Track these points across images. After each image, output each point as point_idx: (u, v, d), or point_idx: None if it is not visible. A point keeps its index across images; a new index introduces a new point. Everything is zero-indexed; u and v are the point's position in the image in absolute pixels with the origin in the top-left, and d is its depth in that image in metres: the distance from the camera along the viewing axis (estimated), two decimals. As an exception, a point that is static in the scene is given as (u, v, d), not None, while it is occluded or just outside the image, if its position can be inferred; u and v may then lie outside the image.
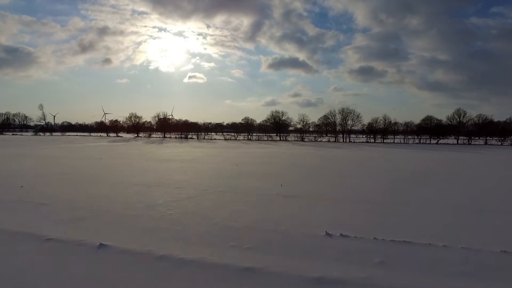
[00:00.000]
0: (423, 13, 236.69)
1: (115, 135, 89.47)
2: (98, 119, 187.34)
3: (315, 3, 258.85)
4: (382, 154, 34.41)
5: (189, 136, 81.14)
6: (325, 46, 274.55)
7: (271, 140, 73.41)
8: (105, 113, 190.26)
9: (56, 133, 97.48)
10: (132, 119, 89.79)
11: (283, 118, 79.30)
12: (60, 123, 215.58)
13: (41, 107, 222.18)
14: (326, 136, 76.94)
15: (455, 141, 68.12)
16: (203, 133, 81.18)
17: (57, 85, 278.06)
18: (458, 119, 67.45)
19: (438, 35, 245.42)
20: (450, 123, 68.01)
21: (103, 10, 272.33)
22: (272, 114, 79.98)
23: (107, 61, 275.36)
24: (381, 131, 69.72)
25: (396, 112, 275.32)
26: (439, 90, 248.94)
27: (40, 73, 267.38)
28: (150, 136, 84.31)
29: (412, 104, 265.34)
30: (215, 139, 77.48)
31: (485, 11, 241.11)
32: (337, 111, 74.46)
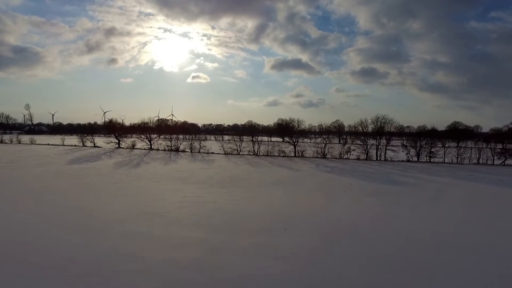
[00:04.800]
0: (424, 17, 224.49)
1: (93, 145, 73.95)
2: (100, 117, 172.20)
3: (318, 7, 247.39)
4: None
5: (182, 147, 65.58)
6: (327, 48, 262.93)
7: (283, 156, 57.77)
8: (104, 112, 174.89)
9: (25, 140, 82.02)
10: (114, 125, 74.06)
11: (299, 127, 63.48)
12: (52, 123, 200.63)
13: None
14: (343, 146, 60.55)
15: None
16: (200, 143, 65.53)
17: (62, 84, 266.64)
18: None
19: (438, 38, 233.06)
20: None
21: (110, 11, 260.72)
22: (286, 123, 64.39)
23: (113, 61, 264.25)
24: (427, 133, 54.05)
25: (398, 113, 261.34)
26: (440, 92, 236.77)
27: (45, 72, 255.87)
28: (133, 148, 68.71)
29: (413, 106, 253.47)
30: (213, 153, 61.92)
31: (485, 15, 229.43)
32: (369, 120, 58.77)
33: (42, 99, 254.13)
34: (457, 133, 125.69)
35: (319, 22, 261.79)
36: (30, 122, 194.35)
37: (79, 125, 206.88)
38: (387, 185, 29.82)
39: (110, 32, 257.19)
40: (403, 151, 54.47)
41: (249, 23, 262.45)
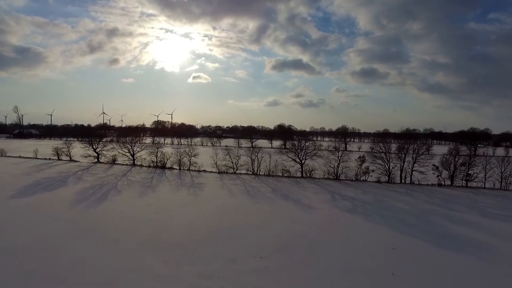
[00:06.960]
0: (423, 18, 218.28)
1: (69, 158, 64.56)
2: (101, 117, 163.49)
3: (319, 8, 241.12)
4: None
5: (169, 162, 56.21)
6: (328, 48, 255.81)
7: (288, 176, 48.54)
8: (103, 112, 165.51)
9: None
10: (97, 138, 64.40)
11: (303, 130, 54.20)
12: (50, 124, 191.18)
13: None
14: (360, 165, 50.24)
15: None
16: (190, 158, 56.07)
17: (63, 84, 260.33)
18: None
19: (438, 39, 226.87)
20: None
21: (112, 12, 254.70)
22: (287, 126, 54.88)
23: (114, 61, 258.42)
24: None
25: (397, 113, 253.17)
26: (440, 92, 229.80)
27: (47, 73, 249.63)
28: (113, 163, 59.34)
29: (413, 106, 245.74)
30: (204, 170, 52.68)
31: (484, 17, 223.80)
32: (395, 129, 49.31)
33: (43, 99, 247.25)
34: (474, 138, 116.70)
35: (319, 23, 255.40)
36: (19, 125, 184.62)
37: (76, 125, 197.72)
38: (444, 250, 20.56)
39: (112, 32, 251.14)
40: (433, 173, 45.05)
41: (250, 24, 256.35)
